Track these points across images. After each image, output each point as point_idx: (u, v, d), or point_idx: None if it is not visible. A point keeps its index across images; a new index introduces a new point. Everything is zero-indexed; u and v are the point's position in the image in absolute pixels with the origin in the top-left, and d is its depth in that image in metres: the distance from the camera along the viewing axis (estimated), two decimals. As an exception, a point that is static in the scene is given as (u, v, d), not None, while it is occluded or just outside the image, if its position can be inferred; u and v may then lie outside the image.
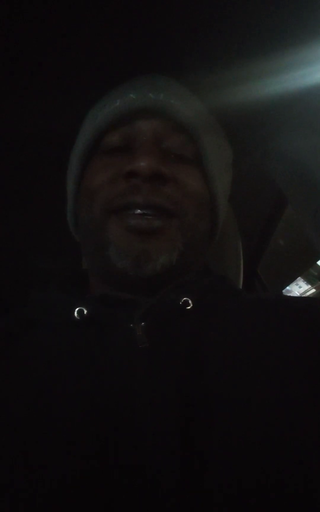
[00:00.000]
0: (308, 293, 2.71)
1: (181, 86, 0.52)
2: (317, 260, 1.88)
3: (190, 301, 0.44)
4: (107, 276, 0.48)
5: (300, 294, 2.70)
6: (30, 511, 0.30)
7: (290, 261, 1.70)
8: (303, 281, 2.68)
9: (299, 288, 2.72)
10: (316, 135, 0.70)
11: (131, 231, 0.45)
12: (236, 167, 0.89)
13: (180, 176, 0.47)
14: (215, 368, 0.38)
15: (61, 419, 0.34)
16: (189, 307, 0.43)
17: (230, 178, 0.57)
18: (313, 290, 2.71)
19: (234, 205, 0.82)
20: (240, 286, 0.79)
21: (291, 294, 2.42)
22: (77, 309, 0.43)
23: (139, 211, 0.44)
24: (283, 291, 2.21)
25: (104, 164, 0.48)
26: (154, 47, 0.50)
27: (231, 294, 0.50)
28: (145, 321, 0.42)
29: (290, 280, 2.21)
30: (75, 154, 0.53)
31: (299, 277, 2.52)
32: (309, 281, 2.67)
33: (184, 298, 0.44)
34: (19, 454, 0.33)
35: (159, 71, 0.52)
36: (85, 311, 0.43)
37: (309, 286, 2.70)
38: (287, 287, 2.39)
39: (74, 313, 0.43)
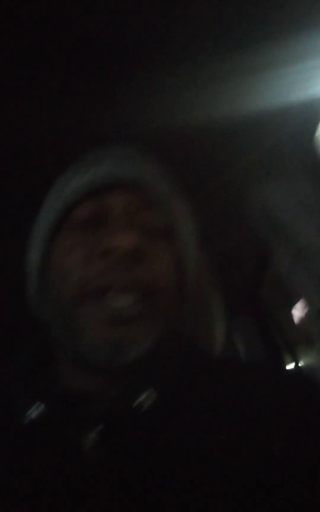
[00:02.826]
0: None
1: (151, 158, 0.53)
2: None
3: (145, 399, 0.40)
4: (76, 362, 0.46)
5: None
6: None
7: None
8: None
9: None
10: (290, 182, 0.71)
11: (107, 320, 0.42)
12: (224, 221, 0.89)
13: (155, 253, 0.46)
14: None
15: None
16: (146, 405, 0.40)
17: (196, 244, 0.55)
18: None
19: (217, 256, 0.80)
20: (218, 339, 0.74)
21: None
22: (34, 406, 0.41)
23: (115, 294, 0.43)
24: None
25: (76, 241, 0.47)
26: (152, 38, 0.50)
27: (199, 368, 0.46)
28: (99, 425, 0.39)
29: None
30: (40, 226, 0.51)
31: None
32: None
33: (141, 397, 0.40)
34: None
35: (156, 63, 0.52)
36: (39, 410, 0.40)
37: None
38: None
39: (29, 410, 0.41)
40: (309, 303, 0.91)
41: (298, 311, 1.37)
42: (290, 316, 1.40)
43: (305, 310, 1.29)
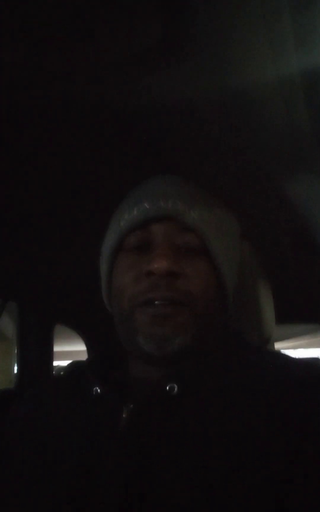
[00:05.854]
0: None
1: (188, 188, 0.65)
2: None
3: (175, 388, 0.53)
4: (138, 355, 0.61)
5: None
6: None
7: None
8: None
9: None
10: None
11: (152, 319, 0.57)
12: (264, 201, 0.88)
13: (189, 270, 0.58)
14: (168, 468, 0.48)
15: (53, 469, 0.53)
16: (174, 393, 0.53)
17: (238, 259, 0.68)
18: None
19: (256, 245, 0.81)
20: (269, 336, 0.79)
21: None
22: (94, 388, 0.57)
23: (157, 303, 0.57)
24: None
25: (127, 264, 0.61)
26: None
27: (228, 368, 0.58)
28: (133, 404, 0.54)
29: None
30: (104, 252, 0.67)
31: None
32: None
33: (170, 385, 0.53)
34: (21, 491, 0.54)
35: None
36: (98, 390, 0.57)
37: None
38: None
39: (92, 390, 0.57)
40: None
41: None
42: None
43: None
